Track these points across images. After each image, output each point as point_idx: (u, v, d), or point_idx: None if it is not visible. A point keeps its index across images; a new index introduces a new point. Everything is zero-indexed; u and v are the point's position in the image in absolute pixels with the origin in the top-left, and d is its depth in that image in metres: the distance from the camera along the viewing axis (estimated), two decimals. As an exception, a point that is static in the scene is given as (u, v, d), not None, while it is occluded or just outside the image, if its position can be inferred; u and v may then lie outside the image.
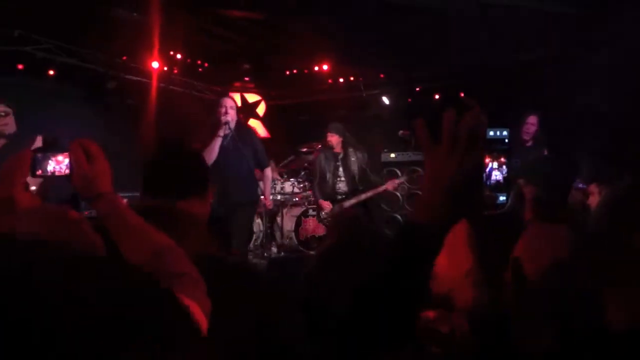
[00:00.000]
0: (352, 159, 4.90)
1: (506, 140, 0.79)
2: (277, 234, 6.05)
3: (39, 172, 1.11)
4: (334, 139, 4.87)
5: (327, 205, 4.97)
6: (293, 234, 5.77)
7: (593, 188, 3.69)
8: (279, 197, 6.07)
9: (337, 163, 4.91)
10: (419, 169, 6.24)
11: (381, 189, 5.02)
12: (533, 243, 1.59)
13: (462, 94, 6.70)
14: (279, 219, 6.05)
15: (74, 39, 5.26)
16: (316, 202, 5.09)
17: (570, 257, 1.48)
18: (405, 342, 0.74)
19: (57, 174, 1.12)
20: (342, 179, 4.96)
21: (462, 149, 0.73)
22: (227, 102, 4.19)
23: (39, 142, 3.79)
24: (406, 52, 5.72)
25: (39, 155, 1.11)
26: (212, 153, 3.96)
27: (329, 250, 1.89)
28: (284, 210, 6.02)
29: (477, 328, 0.88)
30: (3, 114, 3.68)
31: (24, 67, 5.07)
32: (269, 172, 4.45)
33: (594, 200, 3.59)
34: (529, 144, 4.68)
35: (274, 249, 5.88)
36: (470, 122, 0.73)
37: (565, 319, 1.24)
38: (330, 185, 4.93)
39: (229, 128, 4.06)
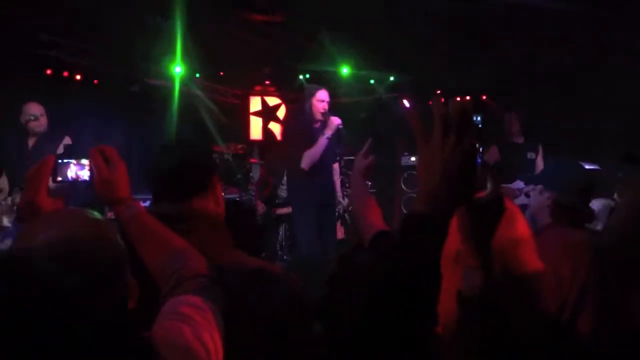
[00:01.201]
0: None
1: (480, 126, 0.80)
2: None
3: (59, 178, 1.14)
4: None
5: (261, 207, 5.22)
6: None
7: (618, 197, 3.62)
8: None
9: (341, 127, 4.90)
10: None
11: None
12: (553, 248, 1.57)
13: (485, 97, 6.65)
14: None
15: (99, 43, 5.38)
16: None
17: (593, 259, 1.47)
18: (423, 341, 0.73)
19: (79, 179, 1.15)
20: (284, 186, 5.13)
21: (454, 134, 0.73)
22: (325, 95, 3.88)
23: (67, 140, 3.92)
24: (427, 54, 5.69)
25: (60, 161, 1.14)
26: (317, 155, 3.77)
27: (348, 255, 1.89)
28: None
29: (468, 311, 0.87)
30: (33, 117, 3.80)
31: (52, 71, 5.21)
32: (337, 166, 4.29)
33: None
34: (520, 140, 4.67)
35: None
36: (458, 107, 0.73)
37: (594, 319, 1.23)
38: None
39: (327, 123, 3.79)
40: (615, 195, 3.34)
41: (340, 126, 3.80)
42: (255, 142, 7.60)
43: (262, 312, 1.14)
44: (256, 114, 7.72)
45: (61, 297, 0.74)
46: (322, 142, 3.77)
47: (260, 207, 5.29)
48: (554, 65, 5.57)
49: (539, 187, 1.81)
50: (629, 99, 4.78)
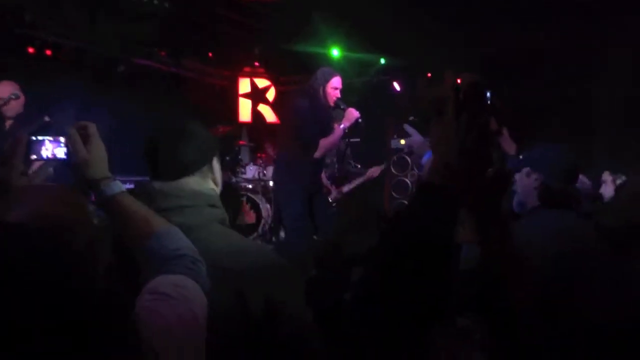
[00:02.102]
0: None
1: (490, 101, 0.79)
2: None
3: (33, 156, 1.10)
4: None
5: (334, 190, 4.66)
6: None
7: (606, 176, 3.64)
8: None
9: (360, 121, 4.28)
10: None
11: (368, 175, 4.98)
12: (540, 230, 1.58)
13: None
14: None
15: (84, 22, 5.27)
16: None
17: (590, 244, 1.47)
18: (437, 315, 0.73)
19: (55, 158, 1.11)
20: (335, 159, 4.74)
21: (471, 108, 0.73)
22: (339, 82, 3.77)
23: (47, 119, 3.81)
24: (418, 37, 5.65)
25: (34, 139, 1.09)
26: (333, 145, 3.74)
27: (335, 239, 1.89)
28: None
29: (464, 286, 0.88)
30: (14, 96, 3.70)
31: (35, 50, 5.08)
32: None
33: (607, 189, 3.54)
34: None
35: (282, 234, 5.89)
36: (471, 81, 0.73)
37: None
38: (333, 169, 4.64)
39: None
40: (606, 176, 3.37)
41: (360, 120, 3.74)
42: (244, 124, 7.54)
43: (253, 294, 1.13)
44: (245, 95, 7.65)
45: (36, 274, 0.72)
46: (339, 132, 3.71)
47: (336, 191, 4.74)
48: (547, 50, 5.55)
49: (526, 169, 1.80)
50: (623, 86, 4.79)
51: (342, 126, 3.71)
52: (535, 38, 5.49)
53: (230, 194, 5.19)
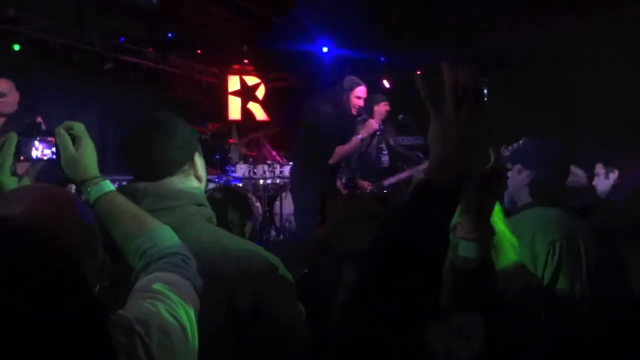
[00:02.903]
0: (389, 132, 4.23)
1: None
2: (276, 218, 6.04)
3: (22, 157, 1.08)
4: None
5: (366, 186, 4.26)
6: (292, 217, 5.74)
7: (599, 169, 3.67)
8: (278, 180, 6.05)
9: (378, 133, 4.15)
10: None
11: (421, 167, 4.32)
12: (531, 227, 1.59)
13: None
14: (277, 203, 6.03)
15: (70, 19, 5.20)
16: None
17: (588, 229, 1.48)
18: (431, 311, 0.73)
19: (44, 158, 1.09)
20: (385, 152, 4.36)
21: (469, 103, 0.72)
22: (364, 92, 3.80)
23: (39, 119, 3.74)
24: (407, 34, 5.66)
25: (22, 140, 1.08)
26: (349, 154, 3.78)
27: (331, 231, 1.88)
28: (284, 194, 6.00)
29: (461, 282, 0.88)
30: (6, 91, 3.62)
31: (20, 47, 5.01)
32: None
33: (600, 182, 3.56)
34: None
35: (273, 233, 5.88)
36: (470, 77, 0.73)
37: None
38: (373, 159, 4.26)
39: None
40: (599, 168, 3.39)
41: (379, 133, 3.78)
42: (233, 122, 7.50)
43: (242, 294, 1.12)
44: (235, 93, 7.61)
45: (27, 274, 0.70)
46: (355, 142, 3.75)
47: (366, 186, 4.22)
48: (536, 44, 5.57)
49: (517, 166, 1.80)
50: (605, 76, 4.82)
51: (359, 136, 3.76)
52: (521, 33, 5.52)
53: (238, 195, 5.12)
